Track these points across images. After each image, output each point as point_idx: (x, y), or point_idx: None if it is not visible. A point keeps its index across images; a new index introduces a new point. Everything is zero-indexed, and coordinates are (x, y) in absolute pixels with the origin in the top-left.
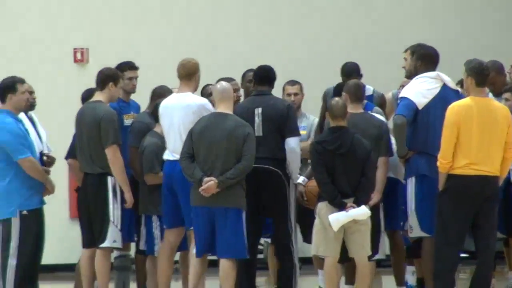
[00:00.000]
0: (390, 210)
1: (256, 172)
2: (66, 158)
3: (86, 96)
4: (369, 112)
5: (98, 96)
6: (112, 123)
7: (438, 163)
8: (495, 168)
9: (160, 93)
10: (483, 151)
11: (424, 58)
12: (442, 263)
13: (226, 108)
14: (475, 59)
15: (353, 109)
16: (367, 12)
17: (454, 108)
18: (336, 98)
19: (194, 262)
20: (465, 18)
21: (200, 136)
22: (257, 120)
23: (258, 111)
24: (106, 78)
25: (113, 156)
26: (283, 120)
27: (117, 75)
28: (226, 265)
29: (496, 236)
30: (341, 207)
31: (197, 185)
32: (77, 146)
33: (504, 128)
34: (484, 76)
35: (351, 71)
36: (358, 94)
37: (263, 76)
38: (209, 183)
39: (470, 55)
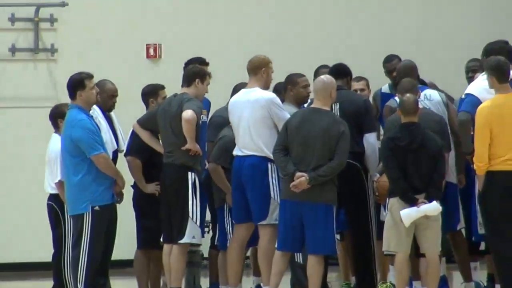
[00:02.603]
0: (448, 211)
1: None
2: (125, 155)
3: (148, 91)
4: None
5: (184, 91)
6: (195, 103)
7: (474, 166)
8: None
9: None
10: None
11: (488, 54)
12: (505, 261)
13: (323, 104)
14: (493, 56)
15: None
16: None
17: (483, 109)
18: (408, 95)
19: (276, 259)
20: None
21: (295, 130)
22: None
23: (336, 106)
24: (193, 75)
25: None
26: (361, 115)
27: (204, 73)
28: (314, 261)
29: None
30: (413, 202)
31: (289, 179)
32: (163, 139)
33: None
34: (503, 71)
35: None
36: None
37: (339, 71)
38: (301, 179)
39: None
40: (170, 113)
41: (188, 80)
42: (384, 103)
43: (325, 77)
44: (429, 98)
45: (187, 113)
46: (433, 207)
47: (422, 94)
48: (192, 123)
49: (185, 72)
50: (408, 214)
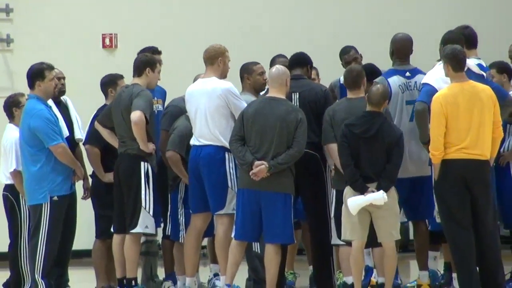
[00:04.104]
0: (415, 202)
1: None
2: (84, 144)
3: (107, 81)
4: None
5: (135, 81)
6: (144, 98)
7: (430, 155)
8: (486, 151)
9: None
10: (473, 135)
11: (445, 43)
12: (461, 250)
13: (278, 92)
14: (449, 45)
15: (353, 94)
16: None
17: (438, 98)
18: (378, 85)
19: (233, 249)
20: None
21: (252, 119)
22: (295, 104)
23: (296, 95)
24: (142, 64)
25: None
26: (321, 105)
27: (154, 61)
28: (271, 250)
29: (492, 219)
30: (362, 191)
31: (248, 168)
32: (116, 129)
33: (490, 109)
34: (459, 60)
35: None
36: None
37: (299, 60)
38: (261, 167)
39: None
40: (121, 105)
41: (138, 70)
42: (343, 94)
43: (279, 66)
44: (419, 88)
45: (135, 115)
46: (378, 196)
47: (413, 80)
48: (140, 125)
49: (134, 62)
50: (354, 201)
